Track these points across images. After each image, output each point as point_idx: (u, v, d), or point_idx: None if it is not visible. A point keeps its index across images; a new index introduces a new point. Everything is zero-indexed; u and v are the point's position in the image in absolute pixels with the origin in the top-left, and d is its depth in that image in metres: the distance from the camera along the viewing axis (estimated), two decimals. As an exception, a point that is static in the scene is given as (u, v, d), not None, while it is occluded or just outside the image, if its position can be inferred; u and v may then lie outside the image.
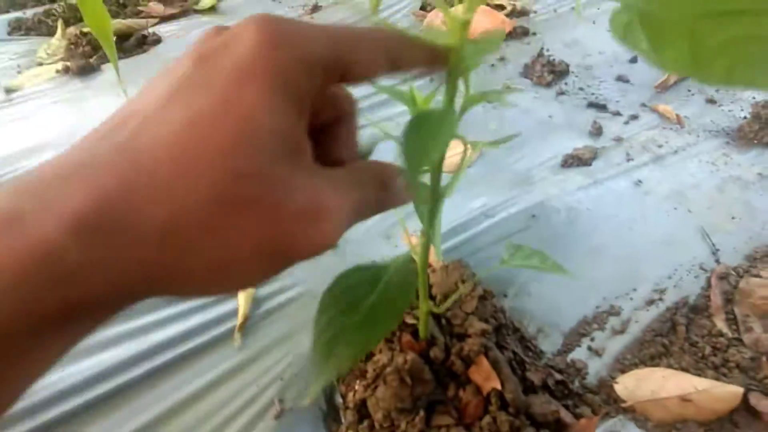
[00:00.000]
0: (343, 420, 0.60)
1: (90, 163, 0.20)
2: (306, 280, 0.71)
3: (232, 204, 0.20)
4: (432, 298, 0.65)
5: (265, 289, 0.69)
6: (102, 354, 0.62)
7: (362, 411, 0.59)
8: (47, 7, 1.47)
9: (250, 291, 0.68)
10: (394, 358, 0.57)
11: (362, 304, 0.37)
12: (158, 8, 1.46)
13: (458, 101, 0.35)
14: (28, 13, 1.46)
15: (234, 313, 0.66)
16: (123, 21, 1.35)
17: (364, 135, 0.31)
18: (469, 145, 0.42)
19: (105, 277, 0.19)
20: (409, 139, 0.29)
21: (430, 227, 0.46)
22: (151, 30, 1.37)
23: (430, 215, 0.45)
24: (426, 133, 0.29)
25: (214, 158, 0.20)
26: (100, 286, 0.19)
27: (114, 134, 0.21)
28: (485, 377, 0.58)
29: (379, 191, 0.27)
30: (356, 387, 0.60)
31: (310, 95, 0.23)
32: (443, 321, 0.63)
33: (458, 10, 0.34)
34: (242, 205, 0.20)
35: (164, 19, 1.44)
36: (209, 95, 0.21)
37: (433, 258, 0.71)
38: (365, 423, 0.58)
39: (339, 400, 0.61)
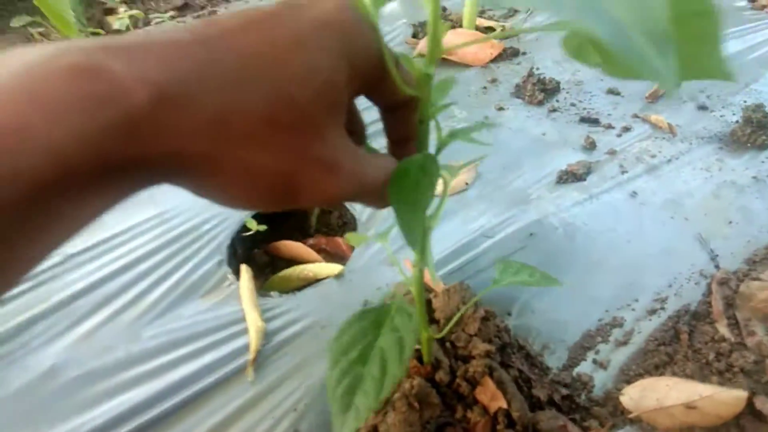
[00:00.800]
0: (356, 447, 0.61)
1: (171, 42, 0.22)
2: (313, 312, 0.73)
3: (277, 122, 0.23)
4: (435, 322, 0.67)
5: (274, 323, 0.72)
6: (121, 396, 0.64)
7: (375, 437, 0.61)
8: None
9: (261, 326, 0.70)
10: (402, 384, 0.59)
11: (372, 350, 0.39)
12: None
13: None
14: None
15: (246, 348, 0.69)
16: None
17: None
18: (445, 176, 0.45)
19: (163, 144, 0.21)
20: (395, 197, 0.32)
21: (421, 258, 0.48)
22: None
23: (420, 247, 0.47)
24: (410, 186, 0.32)
25: (277, 71, 0.23)
26: (156, 151, 0.21)
27: (193, 28, 0.23)
28: (491, 397, 0.59)
29: (385, 183, 0.31)
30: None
31: (361, 78, 0.27)
32: (447, 344, 0.65)
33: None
34: (284, 127, 0.24)
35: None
36: (290, 26, 0.24)
37: (438, 282, 0.73)
38: (379, 449, 0.60)
39: (352, 427, 0.63)
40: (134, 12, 1.58)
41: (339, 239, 0.88)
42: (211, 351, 0.69)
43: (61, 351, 0.69)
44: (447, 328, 0.56)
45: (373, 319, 0.40)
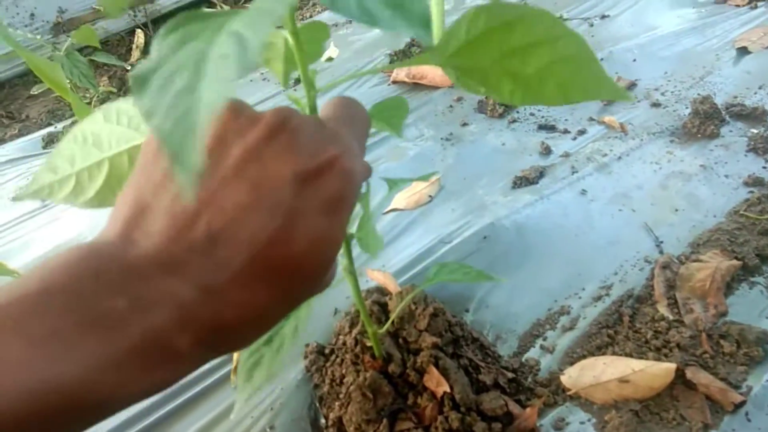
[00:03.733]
0: (326, 437, 0.70)
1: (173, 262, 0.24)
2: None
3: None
4: (392, 321, 0.75)
5: (255, 335, 0.81)
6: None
7: (340, 427, 0.69)
8: (75, 119, 1.68)
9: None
10: (357, 378, 0.68)
11: (277, 335, 0.48)
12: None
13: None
14: (59, 126, 1.66)
15: (229, 358, 0.78)
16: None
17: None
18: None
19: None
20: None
21: (348, 264, 0.56)
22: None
23: (347, 256, 0.55)
24: None
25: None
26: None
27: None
28: (437, 383, 0.67)
29: None
30: (335, 407, 0.71)
31: None
32: (400, 340, 0.73)
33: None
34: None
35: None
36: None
37: (393, 285, 0.81)
38: (342, 437, 0.68)
39: (322, 420, 0.71)
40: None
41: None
42: (201, 363, 0.78)
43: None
44: (387, 324, 0.64)
45: None
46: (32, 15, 2.21)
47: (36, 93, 1.54)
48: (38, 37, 1.89)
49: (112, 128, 0.34)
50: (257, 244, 0.24)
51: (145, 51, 1.89)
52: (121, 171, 0.35)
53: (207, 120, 0.17)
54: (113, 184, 0.35)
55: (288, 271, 0.25)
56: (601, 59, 1.26)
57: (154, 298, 0.23)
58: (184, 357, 0.24)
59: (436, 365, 0.69)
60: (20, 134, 1.61)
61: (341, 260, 0.57)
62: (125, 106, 0.35)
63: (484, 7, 0.30)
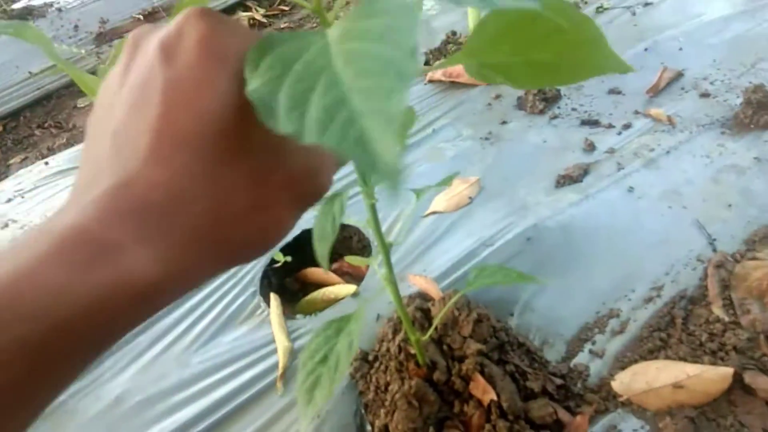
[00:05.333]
0: (372, 445, 0.70)
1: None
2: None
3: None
4: (434, 327, 0.75)
5: (300, 342, 0.81)
6: (176, 414, 0.76)
7: (387, 435, 0.69)
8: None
9: (288, 345, 0.80)
10: (402, 386, 0.67)
11: (331, 353, 0.48)
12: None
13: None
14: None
15: (276, 366, 0.79)
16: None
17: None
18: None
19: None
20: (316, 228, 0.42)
21: (388, 273, 0.56)
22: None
23: (386, 265, 0.55)
24: (319, 227, 0.41)
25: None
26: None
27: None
28: (483, 391, 0.66)
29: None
30: (380, 414, 0.71)
31: None
32: (445, 347, 0.72)
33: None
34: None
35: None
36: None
37: (435, 291, 0.81)
38: (389, 445, 0.68)
39: (368, 428, 0.71)
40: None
41: (361, 265, 0.97)
42: (247, 371, 0.80)
43: (126, 381, 0.82)
44: (429, 330, 0.64)
45: (335, 327, 0.49)
46: (76, 27, 2.29)
47: (82, 106, 1.58)
48: (82, 51, 1.96)
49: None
50: (156, 112, 0.23)
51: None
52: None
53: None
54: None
55: (198, 134, 0.23)
56: (645, 49, 1.22)
57: (70, 202, 0.23)
58: (125, 251, 0.22)
59: (482, 372, 0.68)
60: (68, 144, 1.67)
61: (382, 268, 0.56)
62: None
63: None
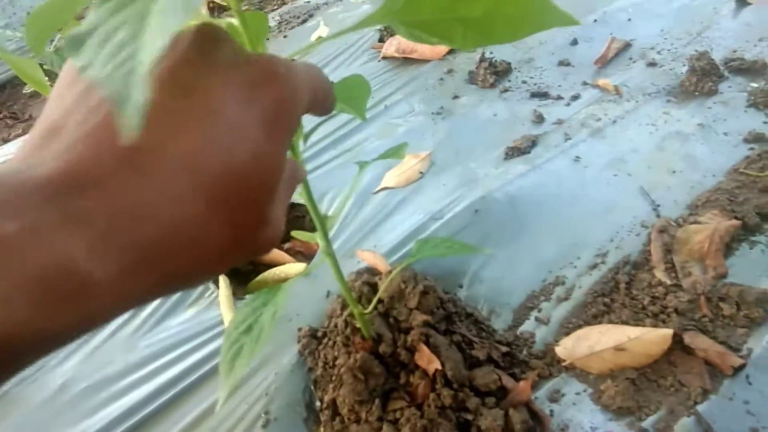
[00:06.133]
0: (321, 420, 0.69)
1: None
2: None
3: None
4: (381, 301, 0.74)
5: (249, 322, 0.80)
6: (122, 399, 0.75)
7: (335, 409, 0.69)
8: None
9: (236, 325, 0.79)
10: (347, 360, 0.67)
11: (256, 323, 0.47)
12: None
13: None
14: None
15: (219, 352, 0.78)
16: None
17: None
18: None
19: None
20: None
21: (327, 247, 0.55)
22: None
23: (323, 238, 0.55)
24: None
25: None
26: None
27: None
28: (428, 361, 0.66)
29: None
30: (329, 389, 0.70)
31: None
32: (391, 319, 0.72)
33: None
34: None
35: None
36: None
37: (383, 265, 0.80)
38: (337, 420, 0.68)
39: (317, 403, 0.71)
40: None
41: (312, 242, 0.96)
42: (196, 353, 0.78)
43: (72, 368, 0.80)
44: (372, 304, 0.63)
45: (262, 299, 0.49)
46: (29, 14, 2.20)
47: (27, 92, 1.53)
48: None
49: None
50: (186, 150, 0.22)
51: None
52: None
53: (151, 60, 0.16)
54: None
55: (225, 184, 0.23)
56: (595, 20, 1.23)
57: (56, 222, 0.20)
58: (103, 288, 0.20)
59: (427, 343, 0.68)
60: (24, 133, 1.62)
61: (319, 241, 0.56)
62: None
63: None
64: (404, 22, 0.35)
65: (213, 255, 0.24)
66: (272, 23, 1.66)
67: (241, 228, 0.25)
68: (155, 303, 0.86)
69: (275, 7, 1.83)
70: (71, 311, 0.20)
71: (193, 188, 0.22)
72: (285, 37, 1.57)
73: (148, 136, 0.21)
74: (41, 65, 1.22)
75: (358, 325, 0.70)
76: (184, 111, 0.22)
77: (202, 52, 0.24)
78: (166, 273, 0.23)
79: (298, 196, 0.44)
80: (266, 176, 0.25)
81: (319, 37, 1.51)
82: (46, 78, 0.80)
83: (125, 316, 0.86)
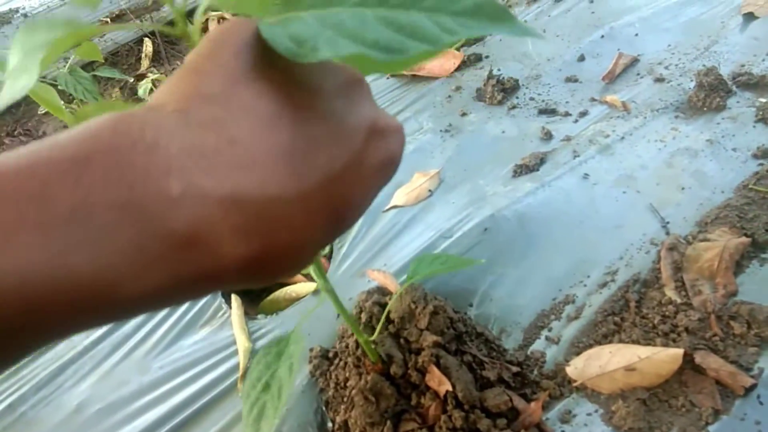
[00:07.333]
0: (333, 441, 0.70)
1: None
2: (292, 325, 0.82)
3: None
4: (391, 321, 0.75)
5: (261, 342, 0.81)
6: (136, 420, 0.76)
7: (347, 431, 0.69)
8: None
9: (248, 346, 0.80)
10: (358, 382, 0.68)
11: (273, 379, 0.48)
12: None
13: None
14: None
15: (237, 367, 0.79)
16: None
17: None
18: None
19: None
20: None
21: (324, 284, 0.55)
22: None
23: (320, 277, 0.54)
24: None
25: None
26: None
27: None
28: (438, 382, 0.67)
29: None
30: (340, 410, 0.71)
31: None
32: (402, 341, 0.72)
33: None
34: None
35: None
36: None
37: (393, 285, 0.81)
38: (349, 440, 0.68)
39: (329, 424, 0.71)
40: (157, 76, 1.73)
41: (322, 259, 0.97)
42: (209, 373, 0.79)
43: (87, 389, 0.81)
44: (377, 331, 0.64)
45: (275, 352, 0.49)
46: (40, 34, 2.24)
47: (42, 113, 1.56)
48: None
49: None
50: (327, 172, 0.24)
51: (154, 59, 1.90)
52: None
53: None
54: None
55: (331, 209, 0.24)
56: (602, 36, 1.23)
57: (209, 188, 0.20)
58: (218, 264, 0.21)
59: (437, 364, 0.68)
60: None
61: (317, 280, 0.55)
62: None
63: None
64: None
65: (297, 251, 0.24)
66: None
67: (318, 244, 0.25)
68: (168, 324, 0.88)
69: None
70: (185, 274, 0.20)
71: (314, 200, 0.23)
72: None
73: (304, 142, 0.24)
74: (54, 85, 1.24)
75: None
76: (334, 135, 0.25)
77: (354, 84, 0.27)
78: (268, 267, 0.23)
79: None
80: (359, 212, 0.27)
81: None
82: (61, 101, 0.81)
83: (138, 336, 0.87)
